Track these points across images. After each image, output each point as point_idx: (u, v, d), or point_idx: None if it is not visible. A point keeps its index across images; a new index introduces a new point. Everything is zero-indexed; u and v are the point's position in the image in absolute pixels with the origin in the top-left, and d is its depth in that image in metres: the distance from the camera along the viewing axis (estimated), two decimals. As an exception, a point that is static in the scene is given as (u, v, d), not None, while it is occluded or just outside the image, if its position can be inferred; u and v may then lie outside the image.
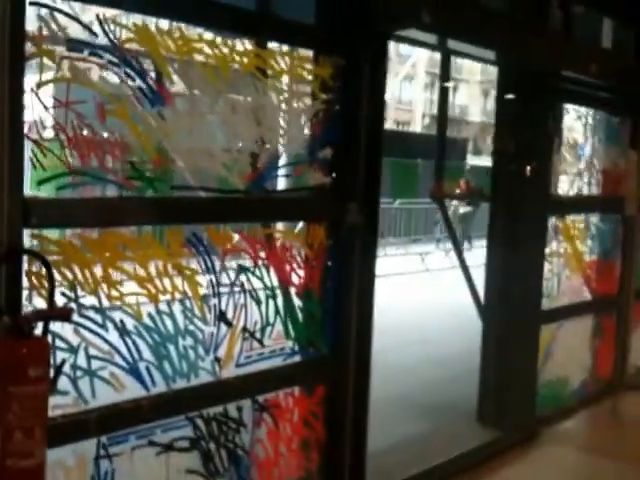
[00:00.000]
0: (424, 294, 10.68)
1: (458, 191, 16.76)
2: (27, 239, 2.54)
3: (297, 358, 3.60)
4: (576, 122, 6.14)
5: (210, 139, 3.13)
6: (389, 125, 34.40)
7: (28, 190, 2.52)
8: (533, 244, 5.24)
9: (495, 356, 5.16)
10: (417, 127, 38.83)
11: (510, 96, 5.25)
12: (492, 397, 5.16)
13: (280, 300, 3.49)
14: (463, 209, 17.66)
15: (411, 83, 39.78)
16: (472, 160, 26.78)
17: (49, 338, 2.47)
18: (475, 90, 42.21)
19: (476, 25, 4.31)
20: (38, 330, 2.38)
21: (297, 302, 3.58)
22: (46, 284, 2.46)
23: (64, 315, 2.54)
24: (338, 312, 3.72)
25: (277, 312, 3.48)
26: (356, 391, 3.78)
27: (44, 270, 2.45)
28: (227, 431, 3.28)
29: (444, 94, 5.65)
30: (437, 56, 4.98)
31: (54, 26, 2.53)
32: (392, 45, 4.12)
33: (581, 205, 6.11)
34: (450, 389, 5.89)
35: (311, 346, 3.65)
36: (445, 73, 5.56)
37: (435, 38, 4.91)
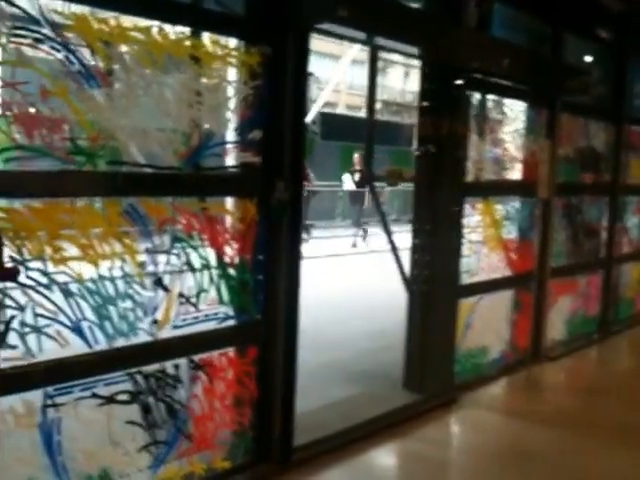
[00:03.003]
0: (374, 273, 11.03)
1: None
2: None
3: (231, 322, 3.91)
4: (496, 112, 6.57)
5: (145, 119, 3.40)
6: (341, 110, 34.46)
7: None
8: (452, 224, 5.60)
9: (418, 328, 5.52)
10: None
11: (431, 86, 5.62)
12: (415, 365, 5.51)
13: (214, 269, 3.80)
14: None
15: (363, 68, 39.69)
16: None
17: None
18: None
19: (395, 21, 4.64)
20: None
21: (231, 271, 3.89)
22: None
23: (11, 275, 2.83)
24: (268, 281, 4.04)
25: (211, 280, 3.78)
26: (285, 353, 4.12)
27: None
28: (165, 387, 3.58)
29: (372, 87, 5.96)
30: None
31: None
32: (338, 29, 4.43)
33: (498, 189, 6.45)
34: (382, 359, 6.25)
35: (243, 311, 3.96)
36: (373, 68, 5.88)
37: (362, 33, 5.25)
